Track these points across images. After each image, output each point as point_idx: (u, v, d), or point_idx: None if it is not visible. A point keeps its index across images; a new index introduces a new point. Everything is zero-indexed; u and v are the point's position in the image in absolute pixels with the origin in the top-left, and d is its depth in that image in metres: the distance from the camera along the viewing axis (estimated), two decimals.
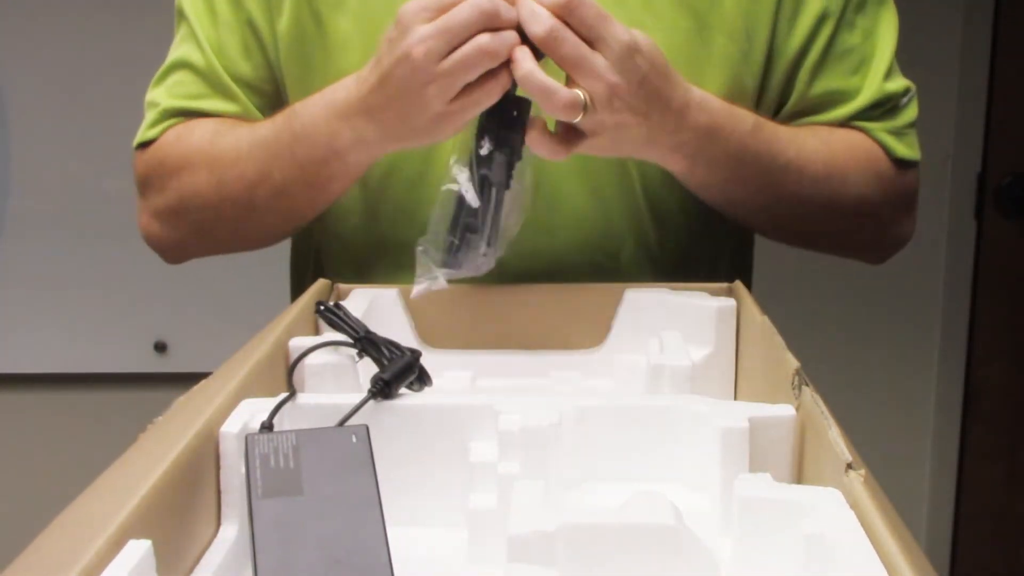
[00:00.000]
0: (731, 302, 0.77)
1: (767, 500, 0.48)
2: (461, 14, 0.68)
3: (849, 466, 0.47)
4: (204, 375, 0.64)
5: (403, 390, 0.62)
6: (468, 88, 0.70)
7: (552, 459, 0.57)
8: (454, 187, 0.75)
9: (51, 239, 1.91)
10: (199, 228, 0.88)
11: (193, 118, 0.88)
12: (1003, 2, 1.97)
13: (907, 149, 0.89)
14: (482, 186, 0.74)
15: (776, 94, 0.88)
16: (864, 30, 0.88)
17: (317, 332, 0.76)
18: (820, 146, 0.85)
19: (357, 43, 0.84)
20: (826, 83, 0.87)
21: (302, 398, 0.60)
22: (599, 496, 0.60)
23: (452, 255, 0.75)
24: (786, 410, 0.57)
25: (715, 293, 0.79)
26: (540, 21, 0.68)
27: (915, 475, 2.14)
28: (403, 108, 0.71)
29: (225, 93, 0.88)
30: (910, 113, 0.90)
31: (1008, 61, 1.98)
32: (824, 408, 0.54)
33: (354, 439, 0.54)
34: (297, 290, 0.99)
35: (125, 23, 1.84)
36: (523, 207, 0.77)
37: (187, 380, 0.65)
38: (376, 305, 0.80)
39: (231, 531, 0.53)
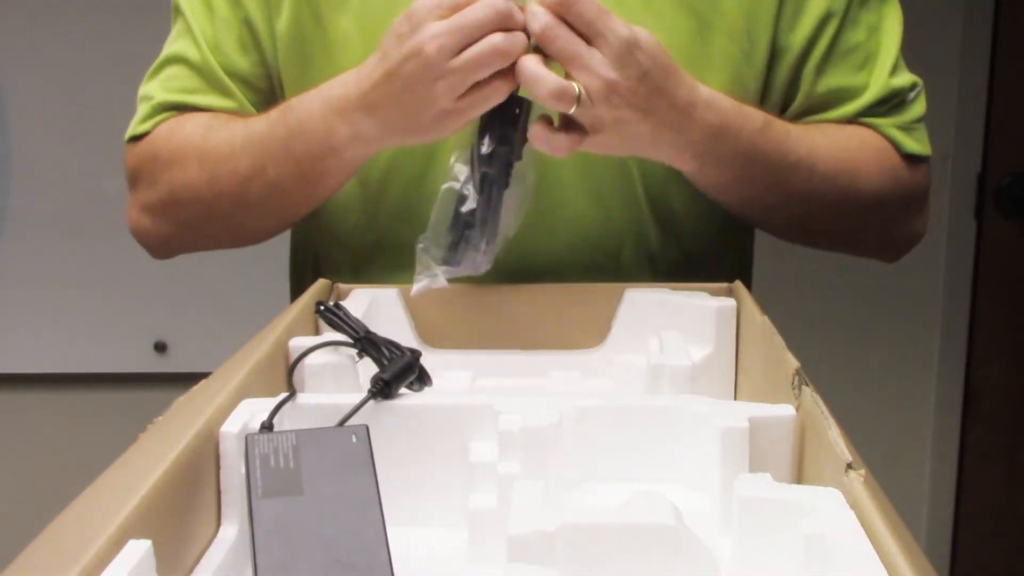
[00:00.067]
0: (731, 302, 0.77)
1: (767, 500, 0.48)
2: (476, 13, 0.68)
3: (849, 466, 0.47)
4: (204, 375, 0.64)
5: (403, 390, 0.62)
6: (476, 86, 0.70)
7: (552, 459, 0.57)
8: (455, 185, 0.75)
9: (51, 239, 1.91)
10: (190, 223, 0.88)
11: (186, 112, 0.88)
12: (1003, 2, 1.97)
13: (917, 144, 0.89)
14: (482, 184, 0.74)
15: (780, 94, 0.88)
16: (869, 26, 0.88)
17: (317, 332, 0.76)
18: (830, 143, 0.84)
19: (358, 42, 0.84)
20: (832, 80, 0.87)
21: (302, 398, 0.60)
22: (599, 496, 0.60)
23: (451, 253, 0.76)
24: (786, 410, 0.57)
25: (715, 293, 0.79)
26: (537, 18, 0.69)
27: (915, 475, 2.14)
28: (409, 103, 0.71)
29: (220, 89, 0.88)
30: (918, 108, 0.90)
31: (1008, 61, 1.98)
32: (824, 408, 0.54)
33: (354, 439, 0.54)
34: (297, 290, 0.99)
35: (125, 23, 1.84)
36: (523, 207, 0.77)
37: (187, 380, 0.65)
38: (376, 305, 0.80)
39: (231, 531, 0.53)
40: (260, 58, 0.88)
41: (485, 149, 0.73)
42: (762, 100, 0.87)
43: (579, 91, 0.69)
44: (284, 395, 0.59)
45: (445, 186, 0.76)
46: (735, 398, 0.76)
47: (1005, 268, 2.06)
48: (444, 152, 0.84)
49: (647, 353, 0.75)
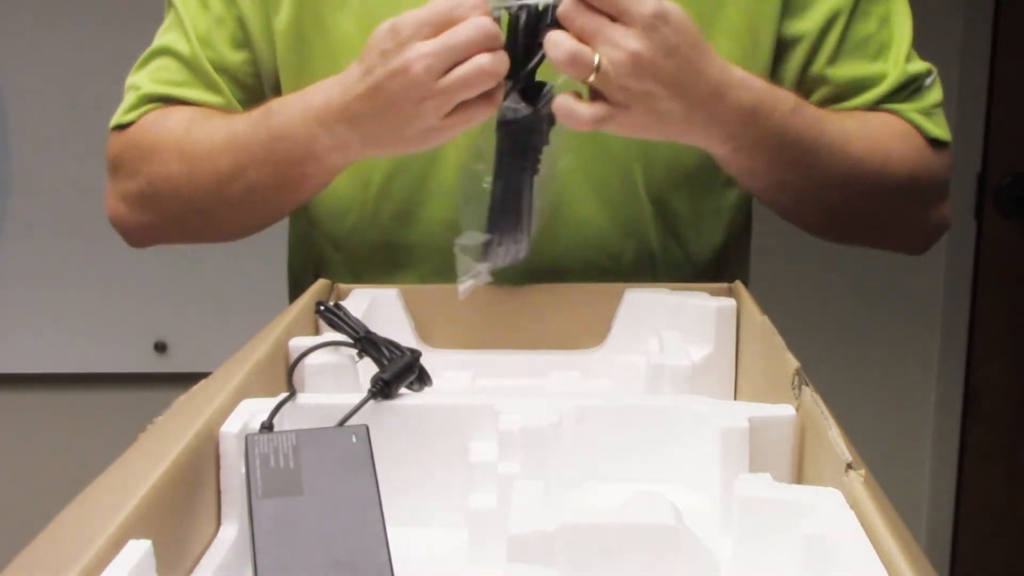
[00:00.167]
0: (731, 302, 0.77)
1: (767, 500, 0.48)
2: (464, 33, 0.68)
3: (849, 466, 0.47)
4: (204, 375, 0.64)
5: (403, 390, 0.62)
6: (462, 105, 0.70)
7: (552, 459, 0.57)
8: (480, 176, 0.74)
9: (51, 239, 1.91)
10: (168, 215, 0.87)
11: (172, 105, 0.88)
12: (1003, 2, 1.97)
13: (939, 129, 0.89)
14: (511, 174, 0.73)
15: (791, 86, 0.87)
16: (879, 17, 0.88)
17: (317, 332, 0.76)
18: (860, 126, 0.84)
19: (358, 43, 0.84)
20: (849, 71, 0.87)
21: (302, 398, 0.60)
22: (599, 496, 0.60)
23: (489, 248, 0.75)
24: (786, 410, 0.57)
25: (715, 293, 0.79)
26: (563, 2, 0.68)
27: (915, 475, 2.14)
28: (392, 119, 0.71)
29: (208, 84, 0.88)
30: (935, 94, 0.90)
31: (1008, 61, 1.98)
32: (824, 408, 0.54)
33: (354, 439, 0.54)
34: (295, 291, 0.99)
35: (125, 23, 1.84)
36: (549, 196, 0.77)
37: (187, 380, 0.65)
38: (376, 305, 0.80)
39: (231, 531, 0.53)
40: (251, 56, 0.88)
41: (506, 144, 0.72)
42: None
43: (598, 60, 0.68)
44: (284, 395, 0.59)
45: (468, 181, 0.75)
46: (735, 398, 0.76)
47: (1005, 268, 2.06)
48: (448, 153, 0.84)
49: (647, 353, 0.75)
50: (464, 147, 0.78)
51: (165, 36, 0.90)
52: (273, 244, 1.05)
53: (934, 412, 2.12)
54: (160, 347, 1.96)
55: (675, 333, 0.76)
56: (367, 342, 0.66)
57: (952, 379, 2.10)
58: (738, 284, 0.80)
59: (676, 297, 0.79)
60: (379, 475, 0.52)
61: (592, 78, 0.68)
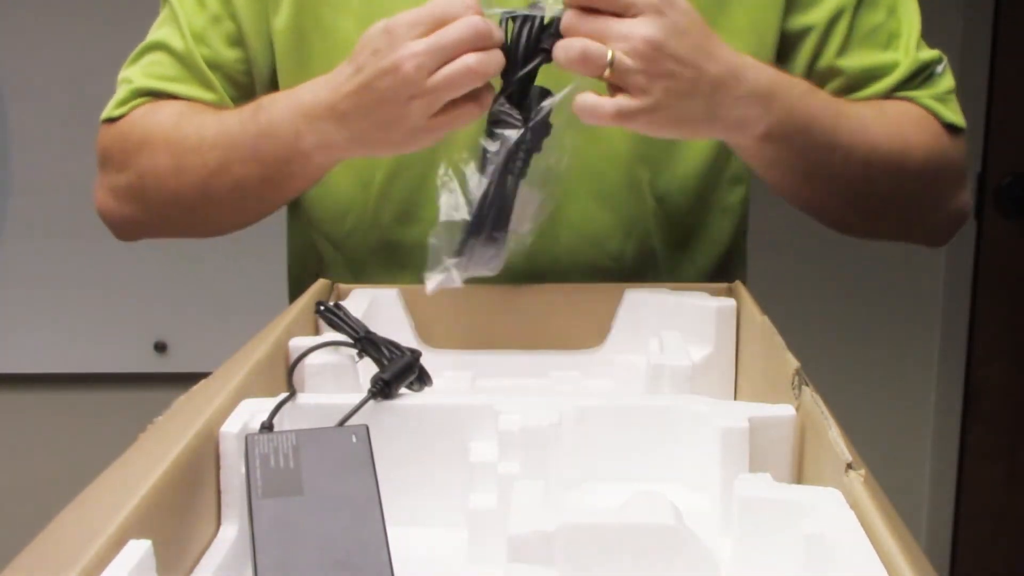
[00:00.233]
0: (731, 302, 0.77)
1: (767, 500, 0.48)
2: (455, 32, 0.68)
3: (849, 466, 0.47)
4: (204, 375, 0.64)
5: (403, 390, 0.62)
6: (450, 105, 0.70)
7: (552, 459, 0.57)
8: (469, 182, 0.74)
9: (51, 239, 1.91)
10: (155, 209, 0.87)
11: (163, 99, 0.88)
12: (1003, 2, 1.97)
13: (954, 115, 0.89)
14: (489, 167, 0.73)
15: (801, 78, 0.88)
16: (887, 7, 0.88)
17: (317, 332, 0.76)
18: (877, 112, 0.84)
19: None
20: (861, 60, 0.87)
21: (302, 398, 0.60)
22: (599, 496, 0.60)
23: (463, 245, 0.75)
24: (786, 410, 0.58)
25: (715, 293, 0.79)
26: (565, 15, 0.68)
27: (915, 475, 2.14)
28: (380, 118, 0.71)
29: (201, 80, 0.88)
30: (947, 80, 0.89)
31: (1008, 61, 1.98)
32: (824, 408, 0.54)
33: (354, 439, 0.54)
34: (295, 291, 0.99)
35: (125, 23, 1.82)
36: (542, 213, 0.76)
37: (187, 380, 0.65)
38: (376, 305, 0.80)
39: (231, 531, 0.53)
40: (245, 54, 0.88)
41: (493, 147, 0.72)
42: None
43: (611, 56, 0.67)
44: (284, 395, 0.59)
45: (444, 181, 0.75)
46: (735, 398, 0.76)
47: (1005, 268, 2.06)
48: (448, 153, 0.84)
49: (647, 353, 0.75)
50: (464, 148, 0.78)
51: (159, 31, 0.90)
52: (273, 244, 1.05)
53: (934, 412, 2.12)
54: (160, 347, 1.96)
55: (675, 333, 0.76)
56: (367, 342, 0.66)
57: (952, 379, 2.10)
58: (738, 284, 0.80)
59: (676, 297, 0.79)
60: (379, 475, 0.52)
61: (607, 73, 0.68)
